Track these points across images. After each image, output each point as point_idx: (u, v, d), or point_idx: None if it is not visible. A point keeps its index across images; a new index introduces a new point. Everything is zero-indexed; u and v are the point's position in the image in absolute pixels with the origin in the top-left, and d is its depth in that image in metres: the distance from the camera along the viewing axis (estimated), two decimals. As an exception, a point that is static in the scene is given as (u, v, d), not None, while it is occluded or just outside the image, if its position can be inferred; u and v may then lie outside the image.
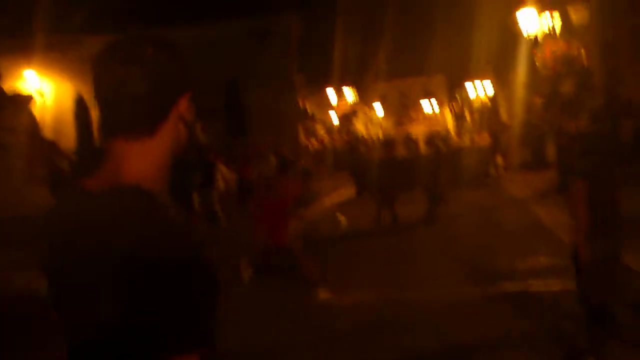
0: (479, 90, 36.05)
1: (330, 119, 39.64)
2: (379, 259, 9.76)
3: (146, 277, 1.16)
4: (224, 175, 14.96)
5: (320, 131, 36.90)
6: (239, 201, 15.45)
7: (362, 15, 31.44)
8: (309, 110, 33.88)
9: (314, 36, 29.58)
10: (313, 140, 28.83)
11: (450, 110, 48.62)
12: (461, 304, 6.83)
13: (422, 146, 23.90)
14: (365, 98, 44.36)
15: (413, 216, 13.31)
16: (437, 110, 50.77)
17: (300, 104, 31.29)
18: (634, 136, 20.00)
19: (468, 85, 37.94)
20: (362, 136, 41.09)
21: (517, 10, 16.48)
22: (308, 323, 6.75)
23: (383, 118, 48.87)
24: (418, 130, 47.81)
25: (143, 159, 1.32)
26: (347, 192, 20.67)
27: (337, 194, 20.29)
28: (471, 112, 38.17)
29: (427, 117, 50.50)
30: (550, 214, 12.06)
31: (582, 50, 16.28)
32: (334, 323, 6.67)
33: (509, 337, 5.69)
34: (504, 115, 31.04)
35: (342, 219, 13.43)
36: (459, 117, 44.62)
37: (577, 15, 15.85)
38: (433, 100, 50.34)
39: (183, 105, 1.37)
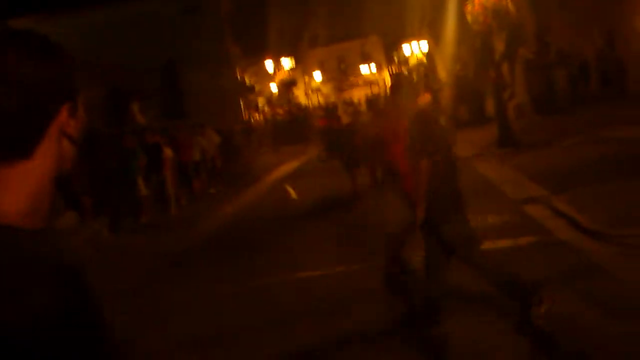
0: (415, 49, 36.16)
1: (270, 90, 39.27)
2: (328, 231, 9.76)
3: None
4: (167, 157, 14.69)
5: (261, 103, 36.53)
6: (181, 184, 15.24)
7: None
8: (248, 83, 33.44)
9: (247, 6, 29.09)
10: (255, 114, 28.54)
11: (389, 72, 48.80)
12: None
13: (364, 111, 23.81)
14: (303, 66, 44.07)
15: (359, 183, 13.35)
16: (376, 73, 50.88)
17: (239, 76, 30.84)
18: (569, 85, 20.53)
19: (404, 45, 38.00)
20: (304, 105, 40.96)
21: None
22: (265, 302, 6.73)
23: (323, 85, 48.74)
24: (358, 95, 48.16)
25: (16, 187, 1.09)
26: (292, 165, 20.64)
27: (284, 167, 20.26)
28: (409, 73, 38.34)
29: (366, 81, 50.61)
30: (495, 170, 12.29)
31: (511, 3, 16.42)
32: (289, 301, 6.66)
33: (462, 297, 5.76)
34: (441, 73, 31.32)
35: (292, 191, 13.39)
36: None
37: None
38: (372, 64, 50.40)
39: (65, 118, 1.13)
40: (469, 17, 16.30)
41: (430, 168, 4.79)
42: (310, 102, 44.48)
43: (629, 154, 10.59)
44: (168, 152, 14.68)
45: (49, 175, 1.13)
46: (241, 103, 29.43)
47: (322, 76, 48.78)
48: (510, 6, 16.17)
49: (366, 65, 50.26)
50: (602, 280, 5.49)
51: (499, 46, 20.36)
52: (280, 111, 31.55)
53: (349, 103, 40.07)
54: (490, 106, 19.36)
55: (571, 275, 5.80)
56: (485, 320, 5.18)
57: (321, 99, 45.71)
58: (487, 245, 7.27)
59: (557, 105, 19.22)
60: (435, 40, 32.42)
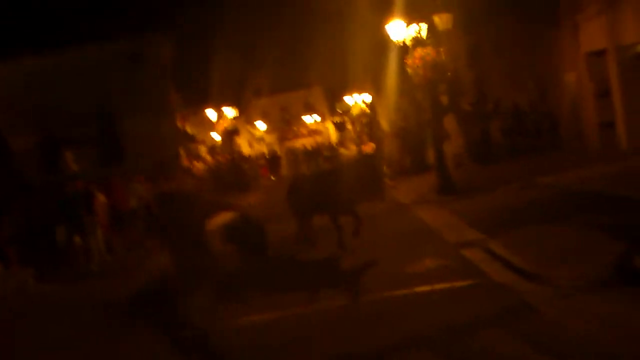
0: (358, 100, 36.77)
1: (212, 139, 39.16)
2: (271, 275, 9.61)
3: None
4: (100, 205, 14.31)
5: (203, 152, 36.30)
6: (116, 232, 14.83)
7: (236, 33, 31.41)
8: (189, 132, 33.27)
9: (189, 56, 29.20)
10: (196, 163, 28.33)
11: (333, 122, 49.42)
12: (353, 314, 6.81)
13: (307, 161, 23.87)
14: (247, 115, 44.21)
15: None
16: (320, 123, 51.51)
17: (180, 125, 30.68)
18: (504, 135, 21.15)
19: (347, 96, 38.62)
20: (248, 155, 40.95)
21: (387, 22, 16.94)
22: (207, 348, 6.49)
23: (267, 134, 48.92)
24: (304, 144, 48.58)
25: None
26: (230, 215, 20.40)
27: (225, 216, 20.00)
28: (352, 123, 38.92)
29: (310, 131, 51.11)
30: (434, 216, 12.43)
31: (448, 57, 16.98)
32: (231, 346, 6.46)
33: (402, 341, 5.72)
34: (384, 124, 31.90)
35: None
36: (341, 129, 45.40)
37: (442, 23, 16.50)
38: (315, 115, 51.04)
39: None
40: (409, 70, 16.70)
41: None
42: (253, 152, 44.49)
43: (560, 199, 10.90)
44: (101, 198, 14.30)
45: None
46: (182, 151, 29.24)
47: (266, 126, 48.99)
48: (448, 61, 16.64)
49: (309, 115, 50.85)
50: (535, 321, 5.55)
51: (442, 98, 20.91)
52: (222, 159, 31.38)
53: (293, 153, 40.30)
54: (431, 155, 19.71)
55: (505, 316, 5.85)
56: None
57: (264, 149, 45.77)
58: (425, 288, 7.32)
59: (493, 154, 19.74)
60: (377, 91, 33.11)
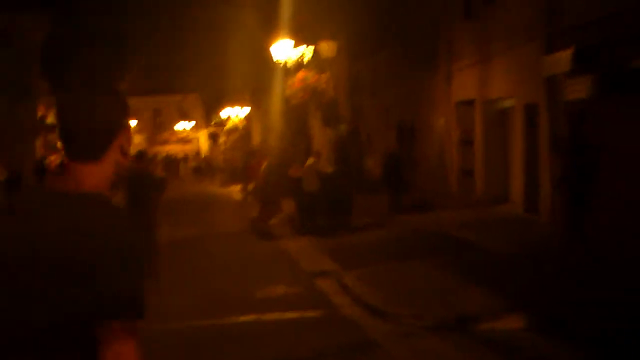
0: (234, 114, 36.33)
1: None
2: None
3: (102, 257, 1.49)
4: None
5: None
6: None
7: (112, 24, 30.09)
8: (50, 121, 31.24)
9: (60, 40, 27.49)
10: (51, 156, 26.63)
11: (207, 133, 48.55)
12: (194, 338, 6.47)
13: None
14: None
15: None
16: (191, 131, 50.40)
17: (41, 113, 28.80)
18: (370, 170, 21.62)
19: (226, 108, 38.03)
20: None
21: (273, 42, 16.91)
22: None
23: (135, 133, 47.09)
24: (174, 151, 47.29)
25: (93, 177, 1.64)
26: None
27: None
28: (226, 135, 38.37)
29: (180, 139, 49.89)
30: (294, 242, 12.32)
31: (329, 84, 17.18)
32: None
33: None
34: (256, 140, 31.74)
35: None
36: (214, 140, 44.72)
37: (326, 51, 16.69)
38: (188, 123, 49.86)
39: (122, 138, 1.69)
40: (287, 91, 16.72)
41: None
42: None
43: (415, 239, 11.17)
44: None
45: (110, 172, 1.70)
46: (38, 141, 27.45)
47: (136, 125, 47.18)
48: (328, 88, 16.80)
49: (185, 122, 49.57)
50: (376, 358, 5.54)
51: (314, 123, 21.06)
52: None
53: (168, 157, 39.37)
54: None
55: (349, 351, 5.82)
56: None
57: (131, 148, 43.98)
58: (273, 316, 7.13)
59: (362, 187, 19.99)
60: (255, 107, 32.98)
